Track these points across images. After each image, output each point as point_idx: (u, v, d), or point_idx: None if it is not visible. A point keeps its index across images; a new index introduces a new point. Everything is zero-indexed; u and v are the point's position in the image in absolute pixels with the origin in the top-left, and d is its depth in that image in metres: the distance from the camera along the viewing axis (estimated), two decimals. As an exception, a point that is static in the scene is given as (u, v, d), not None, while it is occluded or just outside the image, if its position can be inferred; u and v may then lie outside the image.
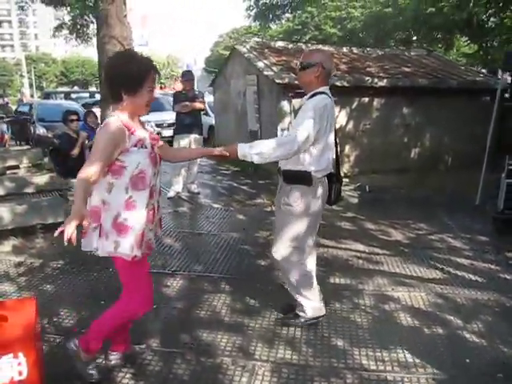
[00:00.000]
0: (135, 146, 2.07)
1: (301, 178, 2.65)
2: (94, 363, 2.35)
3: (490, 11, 14.69)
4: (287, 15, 17.16)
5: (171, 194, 6.04)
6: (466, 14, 14.07)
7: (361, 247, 4.36)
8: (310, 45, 9.45)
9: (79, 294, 3.33)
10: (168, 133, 11.66)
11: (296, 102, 7.18)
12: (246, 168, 7.87)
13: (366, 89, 7.47)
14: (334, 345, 2.73)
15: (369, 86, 7.41)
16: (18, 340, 1.79)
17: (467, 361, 2.57)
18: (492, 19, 16.61)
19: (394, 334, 2.86)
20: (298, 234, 2.71)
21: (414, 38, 21.41)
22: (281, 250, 2.75)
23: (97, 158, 1.94)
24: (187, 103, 5.85)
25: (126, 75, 2.01)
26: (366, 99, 7.65)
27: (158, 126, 11.39)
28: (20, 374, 1.73)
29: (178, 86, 9.50)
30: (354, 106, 7.62)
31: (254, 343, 2.73)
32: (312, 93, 2.66)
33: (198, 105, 5.94)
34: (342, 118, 7.58)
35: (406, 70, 8.22)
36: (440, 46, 19.03)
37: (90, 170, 1.89)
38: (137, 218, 2.07)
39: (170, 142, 11.37)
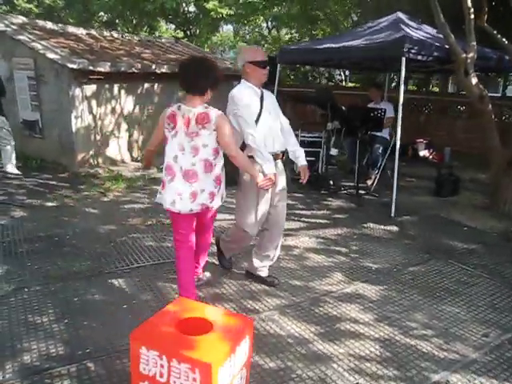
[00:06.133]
0: None
1: None
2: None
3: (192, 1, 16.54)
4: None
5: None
6: (175, 3, 15.68)
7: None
8: (95, 29, 8.61)
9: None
10: None
11: (88, 88, 6.92)
12: (30, 163, 7.07)
13: (149, 75, 7.83)
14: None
15: (152, 72, 7.79)
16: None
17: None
18: (192, 9, 18.79)
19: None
20: None
21: (117, 21, 21.72)
22: None
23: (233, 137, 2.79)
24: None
25: (217, 79, 2.76)
26: (149, 85, 8.01)
27: None
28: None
29: None
30: (139, 91, 7.86)
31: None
32: None
33: None
34: (129, 103, 7.73)
35: (172, 56, 8.93)
36: (144, 30, 20.19)
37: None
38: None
39: None
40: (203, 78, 2.68)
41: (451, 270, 3.86)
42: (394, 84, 10.66)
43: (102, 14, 21.23)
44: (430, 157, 7.37)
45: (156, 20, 19.77)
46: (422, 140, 7.46)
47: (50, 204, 5.19)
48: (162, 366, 1.58)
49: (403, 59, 4.87)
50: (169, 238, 4.32)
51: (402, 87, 5.02)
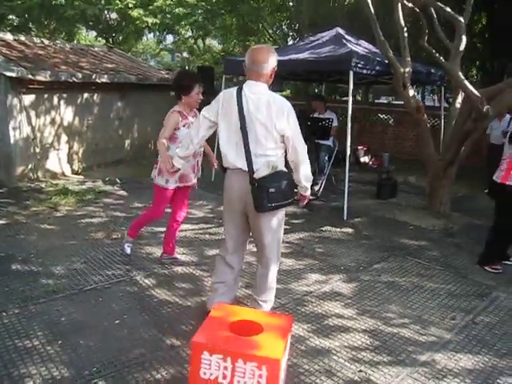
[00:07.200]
0: (184, 126, 3.53)
1: None
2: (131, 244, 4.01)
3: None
4: None
5: None
6: (97, 10, 15.22)
7: (195, 226, 5.11)
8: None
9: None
10: None
11: (26, 97, 6.56)
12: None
13: (89, 84, 7.58)
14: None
15: (92, 82, 7.55)
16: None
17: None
18: (114, 16, 18.28)
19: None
20: None
21: (31, 25, 20.50)
22: None
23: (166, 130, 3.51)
24: None
25: (183, 87, 3.54)
26: (89, 95, 7.75)
27: None
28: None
29: None
30: (79, 101, 7.58)
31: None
32: None
33: None
34: (69, 114, 7.43)
35: (109, 65, 8.70)
36: (62, 36, 19.34)
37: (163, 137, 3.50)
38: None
39: None
40: (174, 87, 3.62)
41: (410, 265, 4.28)
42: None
43: (12, 17, 19.88)
44: (370, 162, 7.99)
45: (75, 26, 18.99)
46: (362, 147, 8.06)
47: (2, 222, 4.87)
48: (225, 367, 1.66)
49: (351, 73, 5.28)
50: (139, 251, 4.28)
51: (351, 99, 5.44)
